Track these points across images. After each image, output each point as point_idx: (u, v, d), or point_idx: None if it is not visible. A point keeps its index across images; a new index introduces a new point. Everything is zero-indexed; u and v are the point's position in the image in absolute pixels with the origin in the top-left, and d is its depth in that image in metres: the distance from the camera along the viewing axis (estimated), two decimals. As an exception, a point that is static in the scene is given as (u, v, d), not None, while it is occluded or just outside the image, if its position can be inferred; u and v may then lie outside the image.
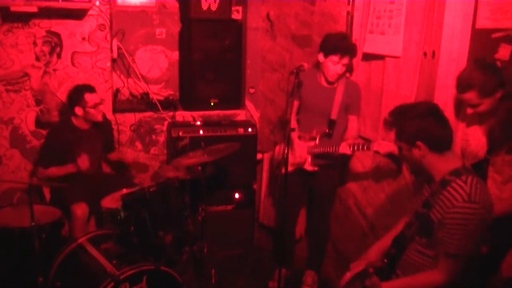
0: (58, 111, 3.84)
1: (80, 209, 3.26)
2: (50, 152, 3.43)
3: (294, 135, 3.18)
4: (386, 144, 2.69)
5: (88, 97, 3.37)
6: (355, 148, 2.88)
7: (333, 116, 3.12)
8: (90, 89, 3.43)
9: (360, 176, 3.16)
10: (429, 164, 1.98)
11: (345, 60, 3.00)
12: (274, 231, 3.52)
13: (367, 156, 3.06)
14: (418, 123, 1.94)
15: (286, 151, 2.68)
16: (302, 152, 3.15)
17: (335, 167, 3.28)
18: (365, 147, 2.83)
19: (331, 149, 3.03)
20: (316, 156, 3.14)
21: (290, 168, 3.20)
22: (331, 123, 3.14)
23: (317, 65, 3.19)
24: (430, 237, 1.96)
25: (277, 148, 3.44)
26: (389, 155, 2.74)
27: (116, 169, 3.99)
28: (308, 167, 3.16)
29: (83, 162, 3.35)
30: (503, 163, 2.08)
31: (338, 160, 3.22)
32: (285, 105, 2.84)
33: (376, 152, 2.78)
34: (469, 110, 2.14)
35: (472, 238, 1.87)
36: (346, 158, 3.30)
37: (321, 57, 3.09)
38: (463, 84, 2.10)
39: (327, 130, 3.13)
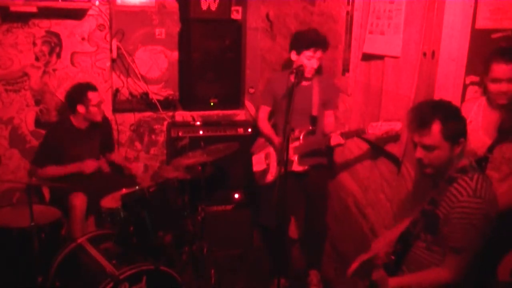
0: (57, 111, 3.84)
1: (79, 199, 3.25)
2: (46, 151, 3.43)
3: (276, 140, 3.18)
4: (382, 124, 2.63)
5: (91, 95, 3.38)
6: (348, 136, 2.85)
7: (314, 112, 3.13)
8: (93, 87, 3.44)
9: (360, 175, 3.16)
10: (453, 161, 1.95)
11: (319, 54, 3.05)
12: (272, 236, 3.49)
13: (367, 156, 3.06)
14: (462, 119, 1.93)
15: (286, 151, 2.67)
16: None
17: (325, 166, 3.27)
18: (360, 133, 2.80)
19: (320, 144, 3.02)
20: (304, 156, 3.12)
21: (272, 177, 3.20)
22: (314, 120, 3.13)
23: (287, 66, 3.19)
24: (435, 234, 1.96)
25: (253, 158, 3.39)
26: (394, 157, 2.72)
27: (116, 168, 3.99)
28: (296, 167, 3.12)
29: (89, 167, 3.39)
30: (502, 160, 2.08)
31: (327, 155, 3.23)
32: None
33: (373, 134, 2.69)
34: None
35: (476, 232, 1.87)
36: (332, 151, 3.30)
37: (293, 55, 3.11)
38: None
39: (311, 127, 3.12)
